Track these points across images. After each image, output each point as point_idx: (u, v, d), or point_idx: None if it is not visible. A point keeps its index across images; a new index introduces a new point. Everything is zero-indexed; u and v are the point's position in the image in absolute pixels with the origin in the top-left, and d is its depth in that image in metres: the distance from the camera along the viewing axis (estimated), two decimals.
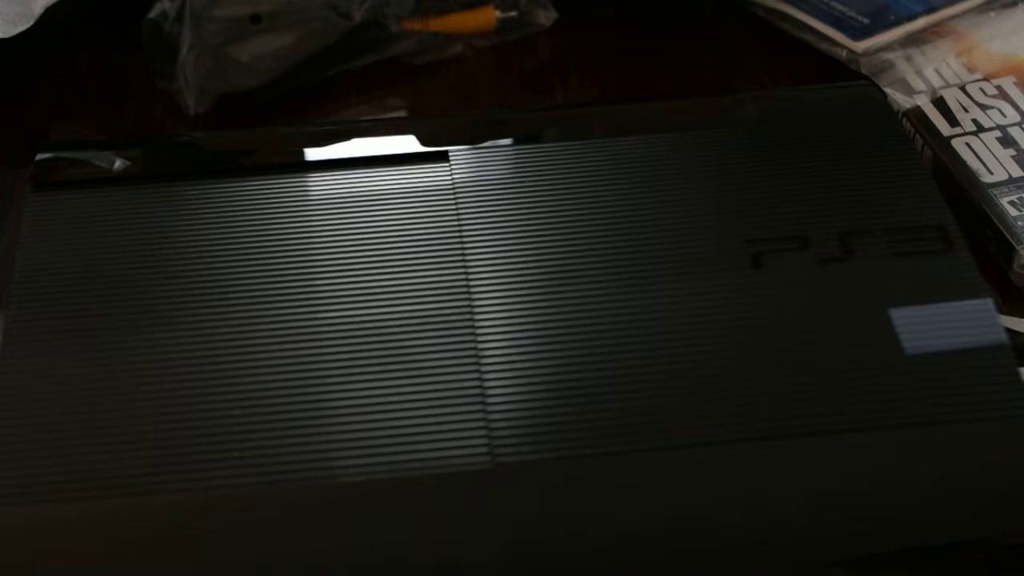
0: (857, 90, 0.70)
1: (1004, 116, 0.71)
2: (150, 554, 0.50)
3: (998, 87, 0.73)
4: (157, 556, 0.50)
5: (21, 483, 0.52)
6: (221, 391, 0.55)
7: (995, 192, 0.67)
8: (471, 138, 0.66)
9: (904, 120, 0.72)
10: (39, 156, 0.64)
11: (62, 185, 0.63)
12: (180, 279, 0.59)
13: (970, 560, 0.52)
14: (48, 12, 0.73)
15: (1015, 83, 0.73)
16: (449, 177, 0.63)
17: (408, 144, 0.66)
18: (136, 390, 0.55)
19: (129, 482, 0.52)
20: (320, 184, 0.63)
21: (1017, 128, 0.70)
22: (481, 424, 0.53)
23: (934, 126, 0.71)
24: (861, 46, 0.76)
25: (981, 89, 0.73)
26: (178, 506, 0.52)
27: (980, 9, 0.78)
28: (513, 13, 0.79)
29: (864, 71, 0.75)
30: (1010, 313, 0.64)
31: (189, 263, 0.59)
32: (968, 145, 0.69)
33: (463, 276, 0.59)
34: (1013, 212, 0.66)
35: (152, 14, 0.74)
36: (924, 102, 0.72)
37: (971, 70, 0.74)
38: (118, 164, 0.64)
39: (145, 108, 0.76)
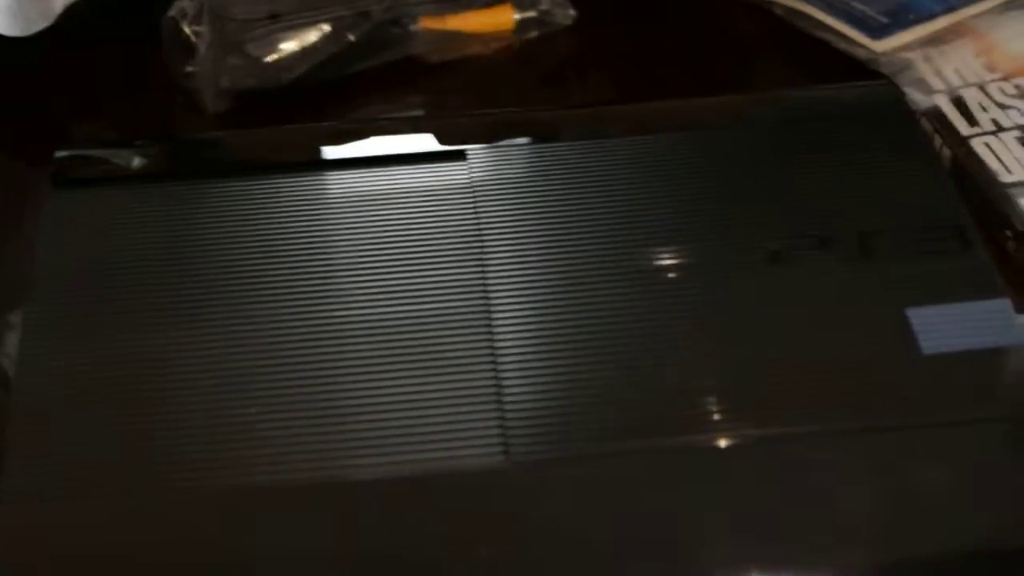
0: (876, 90, 0.70)
1: (1023, 116, 0.71)
2: (167, 550, 0.51)
3: (1017, 86, 0.73)
4: (174, 552, 0.51)
5: (41, 480, 0.52)
6: (239, 388, 0.55)
7: (1014, 192, 0.66)
8: (489, 137, 0.66)
9: (923, 120, 0.71)
10: (58, 154, 0.65)
11: (81, 183, 0.64)
12: (199, 277, 0.59)
13: (991, 564, 0.51)
14: (67, 10, 0.73)
15: None
16: (467, 175, 0.63)
17: (426, 143, 0.66)
18: (154, 387, 0.55)
19: (145, 479, 0.52)
20: (338, 182, 0.63)
21: None
22: (497, 422, 0.53)
23: (953, 126, 0.70)
24: (880, 46, 0.75)
25: (1000, 89, 0.72)
26: (194, 503, 0.52)
27: (1000, 9, 0.78)
28: (531, 12, 0.79)
29: (883, 70, 0.74)
30: None
31: (208, 261, 0.60)
32: (987, 145, 0.69)
33: (480, 274, 0.59)
34: None
35: (171, 12, 0.74)
36: (943, 102, 0.72)
37: (990, 69, 0.74)
38: (137, 162, 0.65)
39: (164, 106, 0.76)
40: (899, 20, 0.77)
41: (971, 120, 0.71)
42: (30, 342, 0.57)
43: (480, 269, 0.59)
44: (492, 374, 0.55)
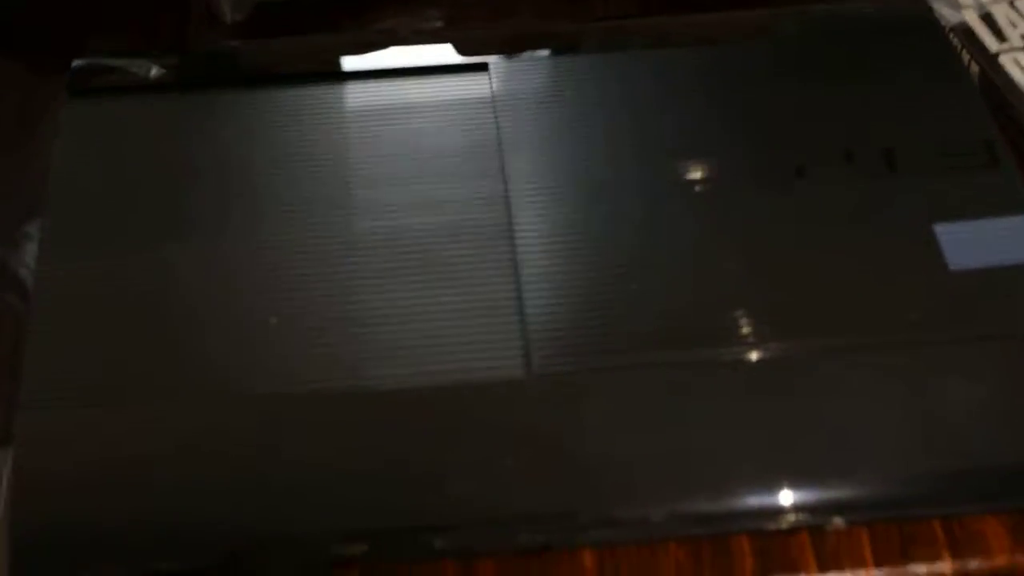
0: (903, 4, 0.69)
1: None
2: (183, 458, 0.51)
3: None
4: (191, 460, 0.51)
5: (59, 388, 0.52)
6: (257, 298, 0.55)
7: None
8: (510, 49, 0.65)
9: (951, 35, 0.70)
10: (76, 63, 0.64)
11: (98, 92, 0.63)
12: (216, 187, 0.59)
13: (1016, 478, 0.51)
14: None
15: None
16: (488, 88, 0.63)
17: (447, 55, 0.65)
18: (172, 296, 0.55)
19: (163, 387, 0.52)
20: (358, 94, 0.63)
21: None
22: (518, 334, 0.53)
23: (981, 41, 0.70)
24: None
25: None
26: (213, 410, 0.52)
27: None
28: None
29: None
30: None
31: (225, 171, 0.59)
32: (1016, 61, 0.68)
33: (502, 186, 0.58)
34: None
35: None
36: (972, 17, 0.71)
37: None
38: (154, 72, 0.64)
39: (182, 16, 0.75)
40: None
41: (1000, 36, 0.70)
42: (48, 251, 0.57)
43: (502, 181, 0.58)
44: (514, 286, 0.55)
